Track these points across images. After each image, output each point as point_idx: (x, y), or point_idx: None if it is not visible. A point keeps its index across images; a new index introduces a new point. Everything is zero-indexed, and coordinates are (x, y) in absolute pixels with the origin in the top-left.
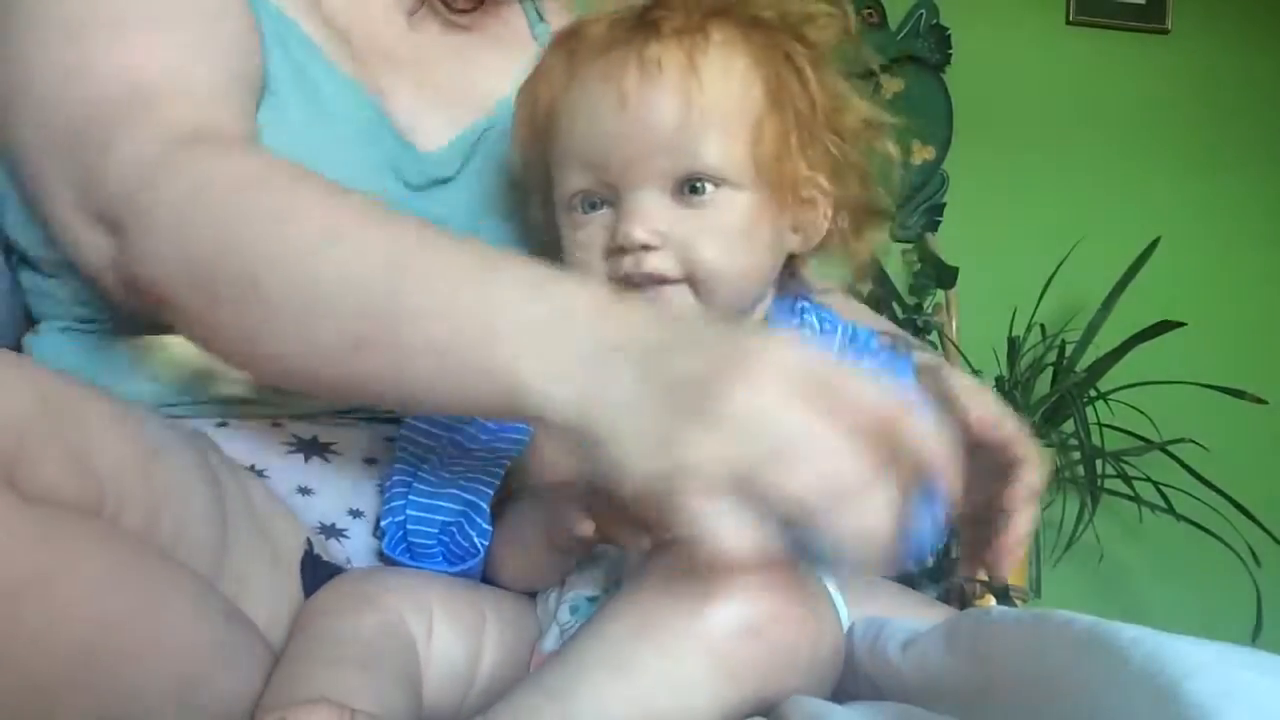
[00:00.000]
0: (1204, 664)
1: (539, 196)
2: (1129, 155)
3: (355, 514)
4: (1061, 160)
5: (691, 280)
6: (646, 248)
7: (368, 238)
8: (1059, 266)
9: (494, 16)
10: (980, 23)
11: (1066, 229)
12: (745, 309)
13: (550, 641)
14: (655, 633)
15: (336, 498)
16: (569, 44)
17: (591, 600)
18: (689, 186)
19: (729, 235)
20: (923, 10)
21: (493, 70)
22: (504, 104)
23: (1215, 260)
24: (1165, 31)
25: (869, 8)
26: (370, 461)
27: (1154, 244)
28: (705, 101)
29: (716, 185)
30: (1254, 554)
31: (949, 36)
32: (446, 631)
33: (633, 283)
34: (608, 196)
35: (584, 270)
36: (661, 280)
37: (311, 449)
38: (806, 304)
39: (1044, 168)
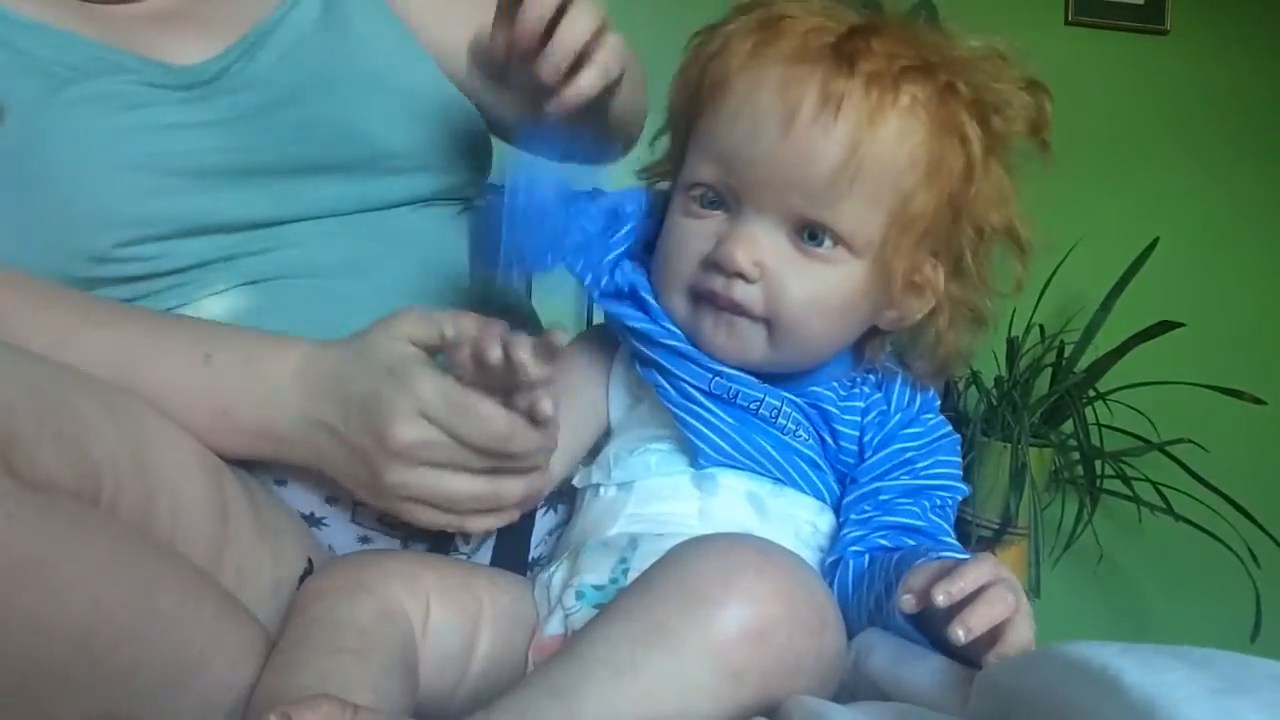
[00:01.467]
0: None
1: (674, 149)
2: (1128, 155)
3: (332, 501)
4: (1060, 160)
5: (770, 324)
6: (742, 276)
7: (93, 339)
8: (1058, 267)
9: None
10: (979, 22)
11: (1065, 229)
12: (807, 365)
13: (553, 626)
14: (661, 635)
15: (313, 486)
16: (764, 29)
17: (598, 589)
18: (809, 233)
19: (828, 295)
20: (922, 10)
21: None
22: (260, 28)
23: (1214, 260)
24: (1164, 32)
25: (867, 6)
26: None
27: (1153, 244)
28: (866, 160)
29: (836, 243)
30: (1253, 554)
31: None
32: (443, 617)
33: (715, 302)
34: (730, 204)
35: (673, 259)
36: (742, 312)
37: None
38: (872, 373)
39: (1042, 168)
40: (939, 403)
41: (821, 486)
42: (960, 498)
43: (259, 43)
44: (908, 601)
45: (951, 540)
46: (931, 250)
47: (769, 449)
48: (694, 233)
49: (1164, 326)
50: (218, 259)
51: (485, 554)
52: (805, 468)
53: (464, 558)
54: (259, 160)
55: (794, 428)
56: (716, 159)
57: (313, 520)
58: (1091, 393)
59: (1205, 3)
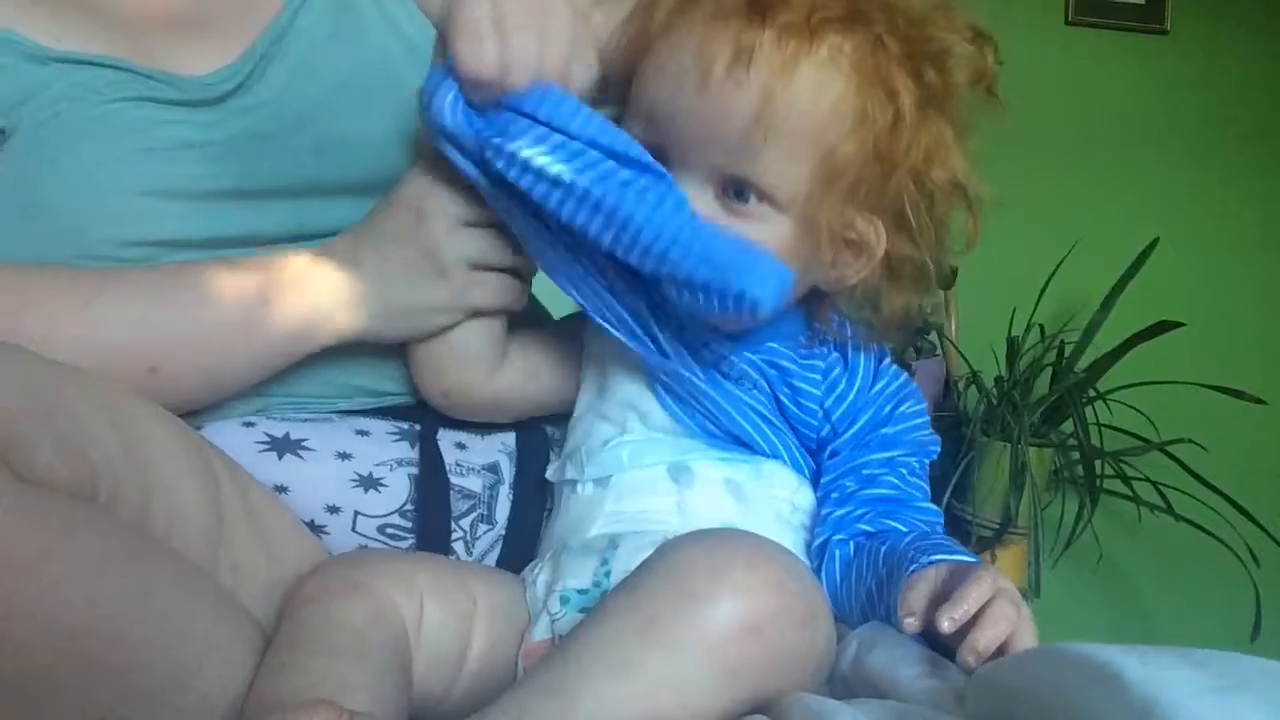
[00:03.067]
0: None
1: (617, 105)
2: (1128, 155)
3: (333, 510)
4: (1060, 160)
5: None
6: None
7: (120, 289)
8: (1058, 266)
9: None
10: (978, 22)
11: (1066, 229)
12: (748, 322)
13: (540, 631)
14: (656, 632)
15: (314, 494)
16: None
17: (582, 593)
18: (735, 190)
19: None
20: None
21: (260, 6)
22: (270, 33)
23: (1214, 260)
24: (1164, 32)
25: None
26: (344, 457)
27: (1153, 244)
28: (782, 113)
29: (760, 199)
30: (1253, 554)
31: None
32: (437, 617)
33: None
34: (661, 161)
35: None
36: None
37: (284, 446)
38: (826, 340)
39: (1043, 168)
40: (890, 359)
41: (781, 447)
42: (934, 453)
43: (270, 54)
44: (911, 624)
45: (928, 505)
46: (865, 206)
47: (717, 398)
48: None
49: (1164, 326)
50: None
51: (492, 558)
52: (759, 421)
53: (469, 560)
54: (269, 184)
55: (737, 378)
56: (645, 117)
57: (314, 528)
58: (1092, 392)
59: (1205, 3)
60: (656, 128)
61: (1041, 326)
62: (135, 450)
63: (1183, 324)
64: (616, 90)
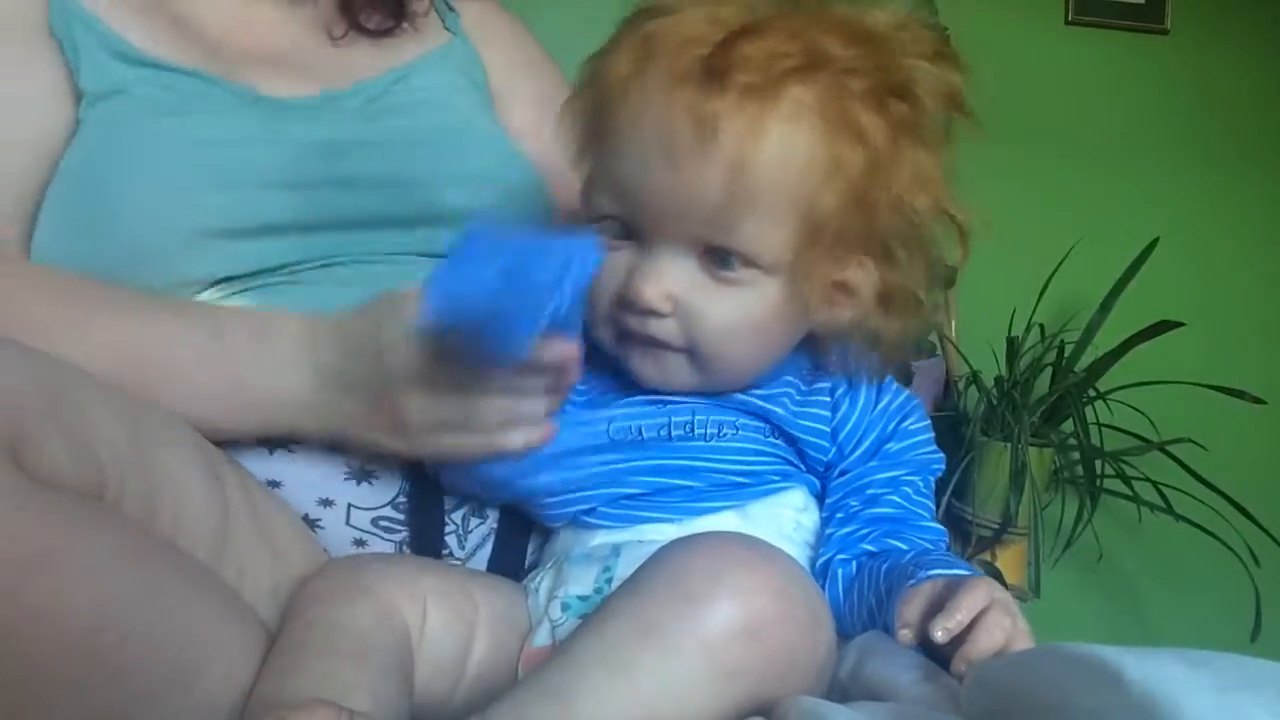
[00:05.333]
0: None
1: (582, 173)
2: (1128, 155)
3: (326, 503)
4: (1060, 160)
5: (691, 353)
6: (654, 312)
7: (108, 324)
8: (1058, 266)
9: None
10: (978, 22)
11: (1065, 229)
12: (742, 384)
13: (541, 637)
14: (655, 634)
15: (306, 489)
16: (640, 47)
17: (583, 599)
18: (718, 257)
19: (744, 319)
20: (921, 10)
21: (386, 48)
22: (394, 73)
23: (1215, 260)
24: (1164, 32)
25: None
26: (335, 450)
27: (1153, 244)
28: (755, 179)
29: (746, 265)
30: (1253, 554)
31: (947, 36)
32: (439, 621)
33: (633, 339)
34: (636, 234)
35: (593, 295)
36: (661, 346)
37: (275, 441)
38: (829, 376)
39: (1042, 168)
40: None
41: (781, 478)
42: (939, 470)
43: (357, 94)
44: (906, 636)
45: (933, 524)
46: (852, 250)
47: (702, 460)
48: (608, 267)
49: (1164, 326)
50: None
51: (481, 560)
52: (752, 461)
53: (459, 563)
54: (324, 215)
55: (715, 431)
56: (614, 192)
57: (308, 522)
58: (1092, 392)
59: (1205, 3)
60: (626, 201)
61: (1041, 326)
62: (142, 450)
63: (1183, 324)
64: (581, 156)
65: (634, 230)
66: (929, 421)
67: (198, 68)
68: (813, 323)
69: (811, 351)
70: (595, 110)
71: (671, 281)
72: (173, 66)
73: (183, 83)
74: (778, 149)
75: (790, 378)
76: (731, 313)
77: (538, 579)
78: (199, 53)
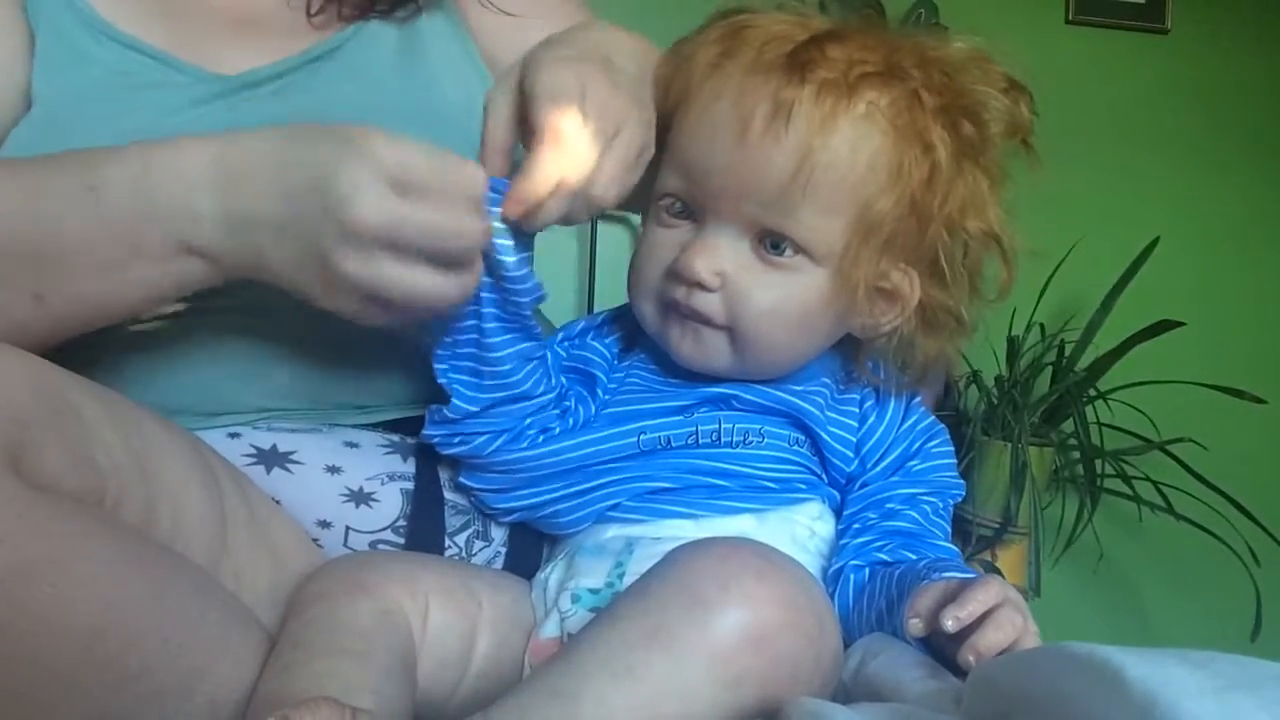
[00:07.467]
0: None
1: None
2: (1128, 155)
3: (324, 525)
4: (1060, 160)
5: (731, 332)
6: (702, 285)
7: None
8: (1058, 266)
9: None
10: (979, 22)
11: (1066, 229)
12: (776, 373)
13: (549, 629)
14: (662, 638)
15: (304, 509)
16: (726, 40)
17: (594, 592)
18: (771, 241)
19: (788, 304)
20: (922, 9)
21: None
22: (328, 43)
23: (1214, 260)
24: (1164, 31)
25: (868, 7)
26: (333, 470)
27: (1153, 244)
28: (820, 169)
29: (796, 252)
30: (1254, 554)
31: (948, 36)
32: (442, 618)
33: (677, 311)
34: (696, 214)
35: (642, 267)
36: (704, 321)
37: (272, 459)
38: (860, 382)
39: (1043, 167)
40: (921, 402)
41: (804, 486)
42: (958, 497)
43: (325, 57)
44: (915, 625)
45: (948, 545)
46: (901, 258)
47: (728, 467)
48: (662, 242)
49: (1164, 326)
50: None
51: (498, 563)
52: (776, 469)
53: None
54: None
55: (741, 439)
56: (681, 170)
57: None
58: (1092, 392)
59: (1205, 3)
60: (693, 180)
61: (1042, 326)
62: (140, 455)
63: (1183, 323)
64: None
65: (693, 210)
66: (953, 448)
67: (156, 45)
68: (852, 325)
69: (846, 358)
70: (673, 91)
71: (723, 258)
72: (131, 43)
73: (143, 69)
74: (847, 144)
75: (825, 379)
76: (776, 296)
77: (548, 570)
78: (169, 30)
